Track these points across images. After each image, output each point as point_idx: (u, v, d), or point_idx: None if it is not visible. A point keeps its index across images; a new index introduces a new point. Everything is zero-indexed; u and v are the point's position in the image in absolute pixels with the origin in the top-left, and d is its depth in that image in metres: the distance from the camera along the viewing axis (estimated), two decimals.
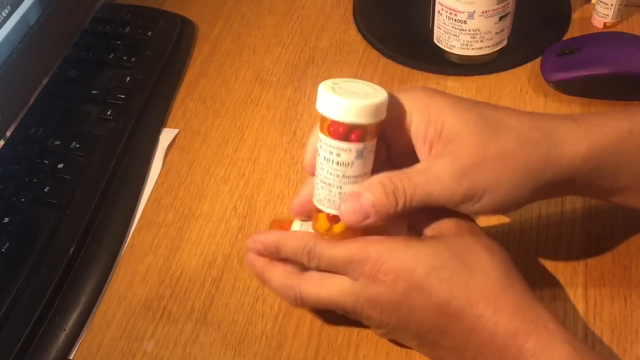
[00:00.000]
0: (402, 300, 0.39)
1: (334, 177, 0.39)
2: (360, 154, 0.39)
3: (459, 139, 0.40)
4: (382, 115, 0.39)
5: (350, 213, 0.39)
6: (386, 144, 0.42)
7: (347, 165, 0.39)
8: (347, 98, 0.37)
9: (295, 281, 0.42)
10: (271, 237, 0.43)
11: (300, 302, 0.42)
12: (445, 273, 0.38)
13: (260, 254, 0.44)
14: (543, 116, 0.43)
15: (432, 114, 0.40)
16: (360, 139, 0.38)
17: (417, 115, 0.41)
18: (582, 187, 0.43)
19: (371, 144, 0.39)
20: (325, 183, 0.40)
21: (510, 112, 0.42)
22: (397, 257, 0.39)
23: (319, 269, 0.42)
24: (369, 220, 0.39)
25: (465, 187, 0.40)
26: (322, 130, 0.39)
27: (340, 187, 0.39)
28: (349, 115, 0.37)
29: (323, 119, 0.39)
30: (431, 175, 0.40)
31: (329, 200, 0.40)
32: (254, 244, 0.44)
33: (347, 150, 0.38)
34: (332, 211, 0.40)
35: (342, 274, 0.41)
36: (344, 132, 0.38)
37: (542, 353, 0.36)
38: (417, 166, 0.41)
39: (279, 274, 0.43)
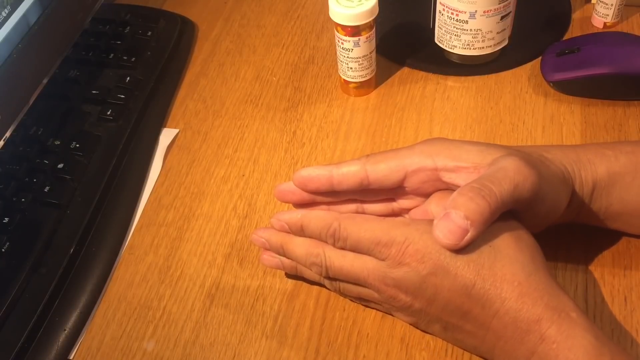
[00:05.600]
0: (427, 281, 0.39)
1: (343, 57, 0.59)
2: (356, 44, 0.57)
3: (503, 157, 0.41)
4: (369, 18, 0.55)
5: (447, 235, 0.38)
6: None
7: (349, 50, 0.58)
8: (346, 8, 0.55)
9: (321, 248, 0.43)
10: (295, 216, 0.44)
11: (325, 270, 0.43)
12: (472, 254, 0.39)
13: (285, 232, 0.45)
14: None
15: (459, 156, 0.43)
16: (353, 34, 0.56)
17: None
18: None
19: (364, 37, 0.57)
20: (340, 61, 0.59)
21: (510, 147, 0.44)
22: (424, 238, 0.39)
23: (343, 249, 0.43)
24: (470, 234, 0.38)
25: (537, 175, 0.40)
26: (335, 29, 0.57)
27: (348, 64, 0.59)
28: (345, 21, 0.55)
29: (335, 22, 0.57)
30: (507, 169, 0.40)
31: (341, 70, 0.60)
32: (278, 222, 0.45)
33: (347, 41, 0.57)
34: (345, 77, 0.60)
35: (366, 255, 0.41)
36: (343, 30, 0.56)
37: (563, 340, 0.37)
38: (488, 170, 0.41)
39: (304, 241, 0.44)
